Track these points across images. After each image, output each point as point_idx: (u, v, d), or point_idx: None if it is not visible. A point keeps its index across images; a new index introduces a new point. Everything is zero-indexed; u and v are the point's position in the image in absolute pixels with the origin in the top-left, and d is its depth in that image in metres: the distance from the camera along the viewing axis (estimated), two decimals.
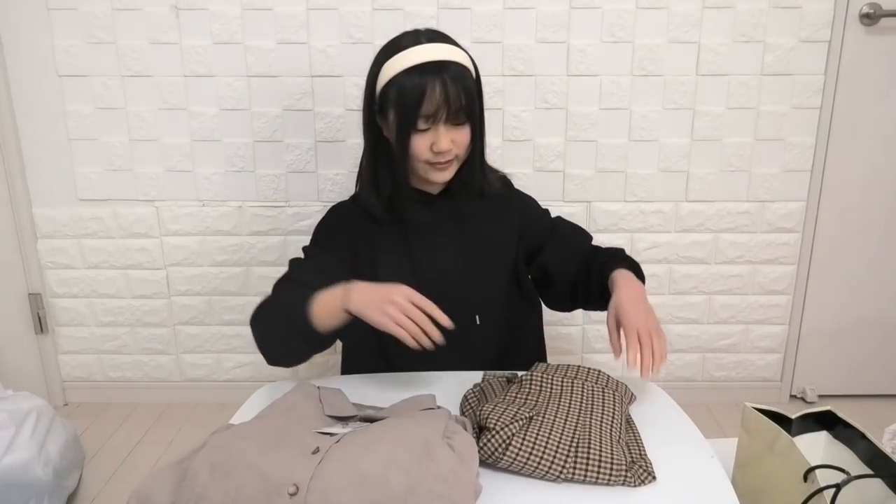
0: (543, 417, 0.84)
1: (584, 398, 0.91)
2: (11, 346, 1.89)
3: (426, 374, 1.06)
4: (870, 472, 0.87)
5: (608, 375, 0.97)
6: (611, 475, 0.77)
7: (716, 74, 1.69)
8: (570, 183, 1.76)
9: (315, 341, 0.98)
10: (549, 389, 0.92)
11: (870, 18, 1.64)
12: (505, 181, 1.22)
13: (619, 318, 0.99)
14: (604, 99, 1.70)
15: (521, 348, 1.23)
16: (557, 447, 0.80)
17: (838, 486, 0.80)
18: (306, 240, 1.79)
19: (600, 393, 0.92)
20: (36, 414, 1.43)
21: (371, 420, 0.83)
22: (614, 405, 0.90)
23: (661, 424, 0.90)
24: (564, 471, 0.78)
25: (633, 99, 1.70)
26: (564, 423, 0.84)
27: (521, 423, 0.82)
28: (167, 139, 1.74)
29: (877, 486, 0.85)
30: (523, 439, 0.80)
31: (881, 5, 1.64)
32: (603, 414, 0.87)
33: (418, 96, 0.99)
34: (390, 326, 0.88)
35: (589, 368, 0.98)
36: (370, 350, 1.16)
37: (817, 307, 1.86)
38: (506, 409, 0.84)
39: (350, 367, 1.25)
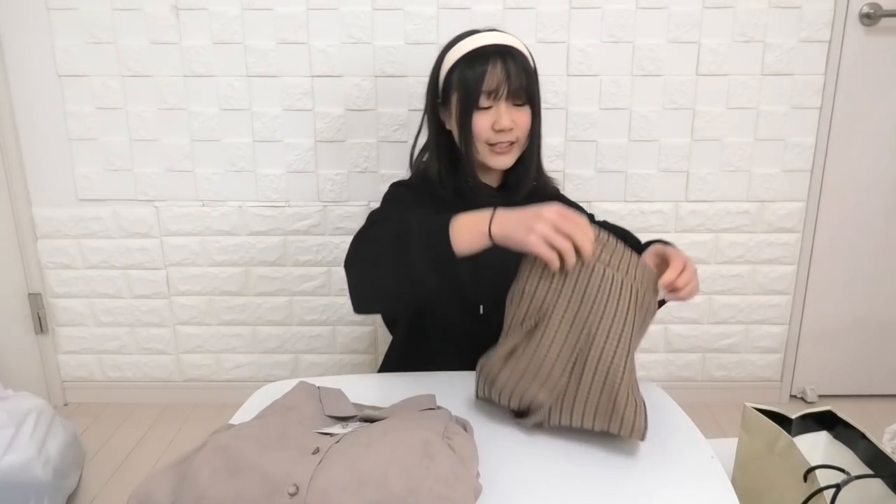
0: (540, 340, 0.83)
1: (598, 297, 0.83)
2: (11, 346, 1.89)
3: (426, 374, 1.06)
4: (870, 472, 0.87)
5: (631, 256, 0.88)
6: (594, 421, 0.82)
7: (716, 74, 1.69)
8: (570, 183, 1.76)
9: (446, 269, 0.86)
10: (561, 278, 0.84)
11: (870, 18, 1.64)
12: (555, 187, 1.25)
13: (666, 254, 0.99)
14: (604, 99, 1.70)
15: None
16: (548, 379, 0.83)
17: (838, 487, 0.80)
18: (306, 240, 1.81)
19: (617, 289, 0.84)
20: (36, 414, 1.43)
21: (371, 420, 0.83)
22: (627, 312, 0.84)
23: (661, 424, 0.90)
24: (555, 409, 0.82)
25: (633, 99, 1.70)
26: (559, 353, 0.83)
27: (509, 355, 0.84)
28: (167, 139, 1.74)
29: (877, 486, 0.85)
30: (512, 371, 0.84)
31: (881, 5, 1.64)
32: (609, 333, 0.83)
33: (481, 73, 1.04)
34: (538, 247, 0.81)
35: (614, 242, 0.88)
36: (415, 346, 1.16)
37: (817, 307, 1.86)
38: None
39: (392, 363, 1.24)
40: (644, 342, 1.89)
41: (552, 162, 1.74)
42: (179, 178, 1.77)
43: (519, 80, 1.05)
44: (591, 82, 1.69)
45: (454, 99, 1.08)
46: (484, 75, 1.04)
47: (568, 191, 1.77)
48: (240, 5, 1.65)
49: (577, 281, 0.85)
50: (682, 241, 1.80)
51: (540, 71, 1.68)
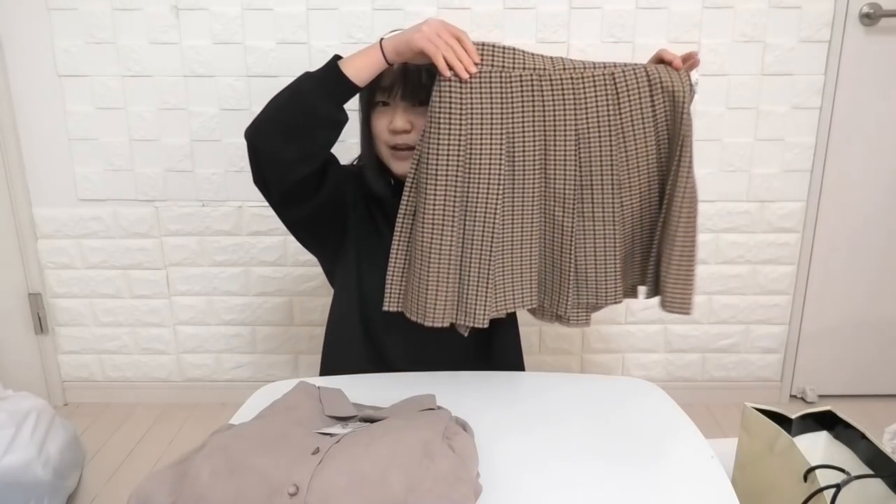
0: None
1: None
2: (11, 346, 1.89)
3: (426, 374, 1.06)
4: (870, 472, 0.87)
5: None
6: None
7: (716, 74, 1.69)
8: None
9: (338, 90, 0.95)
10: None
11: (870, 18, 1.64)
12: None
13: (661, 54, 0.98)
14: None
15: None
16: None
17: (838, 487, 0.80)
18: None
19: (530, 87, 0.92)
20: (36, 414, 1.43)
21: (371, 420, 0.83)
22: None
23: (661, 424, 0.90)
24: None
25: None
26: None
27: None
28: (167, 139, 1.74)
29: (877, 486, 0.85)
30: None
31: (881, 5, 1.64)
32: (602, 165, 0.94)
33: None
34: (423, 42, 0.88)
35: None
36: (355, 345, 1.15)
37: (817, 307, 1.86)
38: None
39: (330, 365, 1.23)
40: (644, 342, 1.90)
41: None
42: (179, 178, 1.77)
43: (417, 79, 1.01)
44: None
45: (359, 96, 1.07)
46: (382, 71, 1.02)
47: None
48: (240, 5, 1.65)
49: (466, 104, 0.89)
50: None
51: None
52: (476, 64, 0.88)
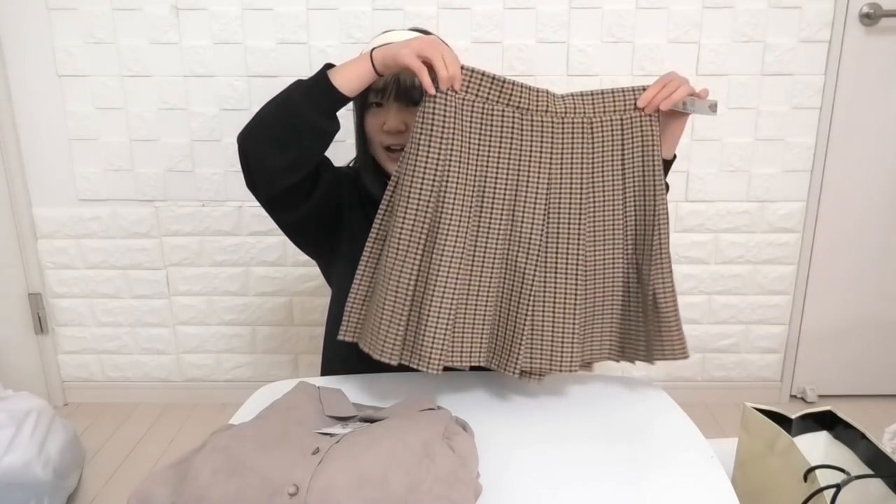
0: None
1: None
2: (11, 346, 1.89)
3: (426, 374, 1.06)
4: (870, 472, 0.87)
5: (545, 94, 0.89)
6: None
7: (716, 74, 1.69)
8: None
9: (327, 102, 0.94)
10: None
11: (870, 18, 1.64)
12: None
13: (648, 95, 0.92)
14: None
15: None
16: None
17: (838, 487, 0.80)
18: None
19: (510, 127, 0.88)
20: (36, 414, 1.43)
21: (371, 420, 0.83)
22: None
23: (661, 424, 0.90)
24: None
25: None
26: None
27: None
28: (167, 139, 1.74)
29: (877, 486, 0.85)
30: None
31: (881, 5, 1.64)
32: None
33: None
34: (409, 59, 0.86)
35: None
36: (353, 344, 1.15)
37: (817, 307, 1.86)
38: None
39: (328, 366, 1.24)
40: None
41: None
42: (179, 178, 1.77)
43: (410, 80, 1.02)
44: (591, 82, 1.69)
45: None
46: None
47: None
48: (240, 5, 1.65)
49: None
50: (681, 242, 1.81)
51: (540, 71, 1.69)
52: (455, 91, 0.86)
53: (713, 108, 0.91)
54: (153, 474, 0.70)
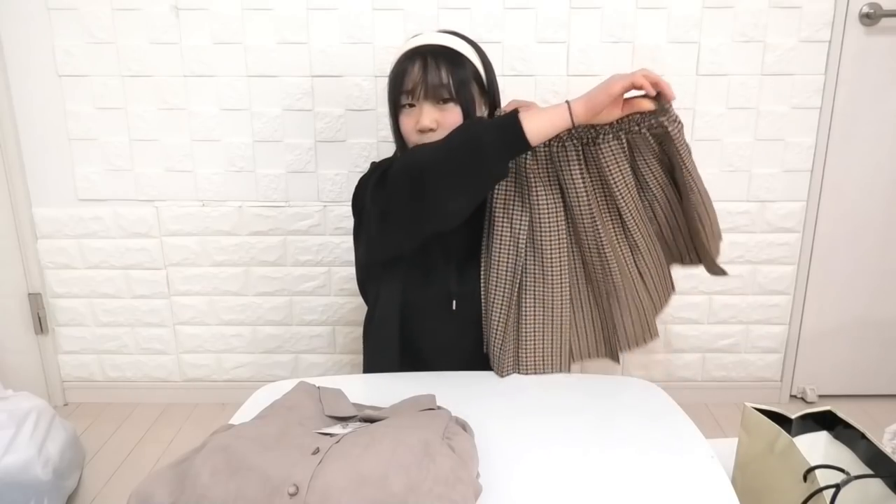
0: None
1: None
2: (11, 346, 1.89)
3: (426, 374, 1.06)
4: (870, 472, 0.87)
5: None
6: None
7: (716, 74, 1.69)
8: None
9: (517, 153, 0.97)
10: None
11: (870, 18, 1.64)
12: None
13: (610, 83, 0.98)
14: None
15: None
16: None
17: (838, 487, 0.80)
18: (306, 240, 1.81)
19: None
20: (36, 414, 1.43)
21: (371, 420, 0.83)
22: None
23: (662, 424, 0.90)
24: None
25: None
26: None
27: None
28: (167, 139, 1.74)
29: (877, 486, 0.85)
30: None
31: (881, 5, 1.64)
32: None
33: (400, 73, 1.06)
34: (625, 81, 0.94)
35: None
36: (392, 344, 1.15)
37: (817, 307, 1.86)
38: None
39: (372, 365, 1.24)
40: None
41: None
42: (179, 178, 1.77)
43: (438, 79, 1.03)
44: (591, 82, 1.67)
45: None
46: (402, 75, 1.05)
47: None
48: (240, 5, 1.65)
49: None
50: None
51: (540, 71, 1.69)
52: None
53: (664, 113, 1.01)
54: (153, 474, 0.70)
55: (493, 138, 0.92)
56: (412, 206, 0.96)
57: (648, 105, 0.98)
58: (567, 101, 0.95)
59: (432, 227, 0.99)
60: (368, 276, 1.18)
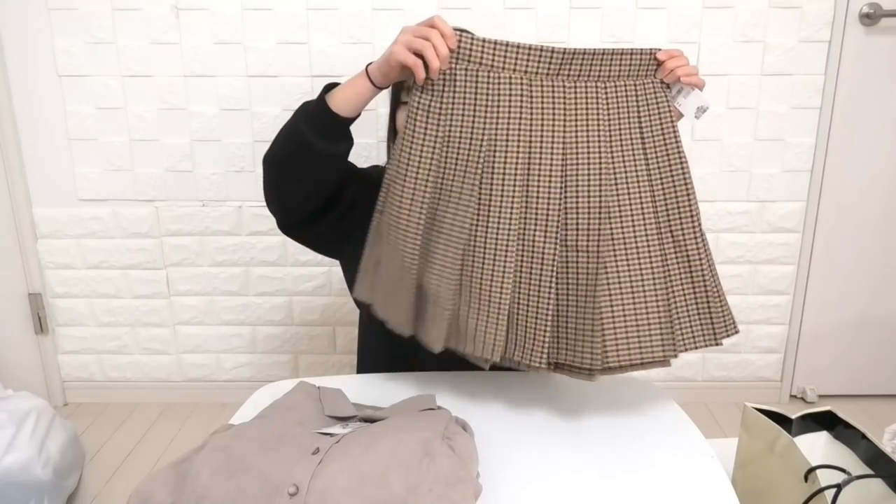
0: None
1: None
2: (11, 346, 1.89)
3: (426, 374, 1.06)
4: (870, 472, 0.87)
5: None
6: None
7: (716, 74, 1.69)
8: None
9: (327, 127, 0.90)
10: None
11: (870, 18, 1.64)
12: None
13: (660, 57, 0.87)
14: None
15: None
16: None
17: (839, 487, 0.80)
18: None
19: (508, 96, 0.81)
20: (36, 414, 1.43)
21: (371, 420, 0.83)
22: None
23: (662, 424, 0.90)
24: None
25: None
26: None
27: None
28: (167, 139, 1.74)
29: (877, 486, 0.85)
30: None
31: (881, 5, 1.64)
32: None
33: None
34: (400, 55, 0.81)
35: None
36: (384, 348, 1.15)
37: (817, 307, 1.86)
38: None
39: (365, 366, 1.24)
40: None
41: None
42: (179, 178, 1.77)
43: None
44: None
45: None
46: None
47: None
48: (240, 5, 1.65)
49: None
50: None
51: None
52: (451, 51, 0.82)
53: (701, 111, 0.86)
54: (153, 474, 0.70)
55: (307, 121, 0.91)
56: (267, 195, 0.97)
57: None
58: (368, 64, 0.89)
59: (288, 214, 0.98)
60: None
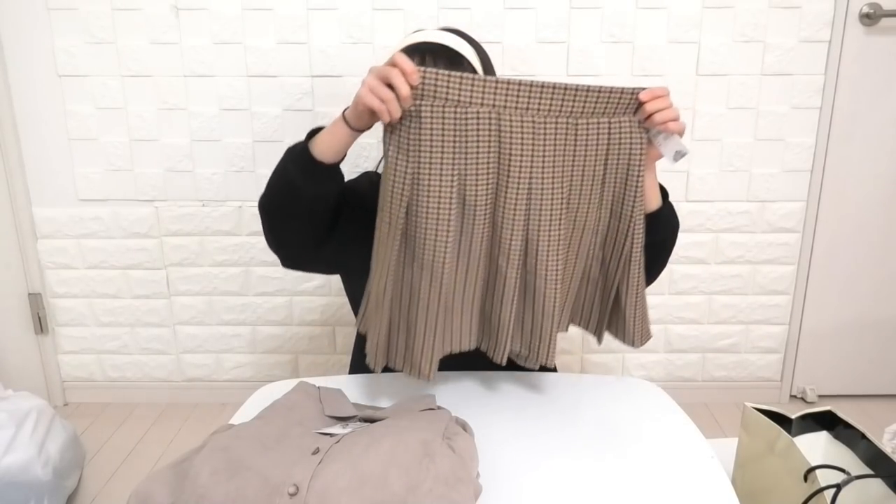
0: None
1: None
2: (11, 346, 1.89)
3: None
4: (870, 472, 0.87)
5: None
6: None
7: (716, 74, 1.69)
8: None
9: (312, 172, 0.91)
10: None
11: (870, 18, 1.64)
12: None
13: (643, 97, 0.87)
14: None
15: None
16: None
17: (839, 487, 0.80)
18: None
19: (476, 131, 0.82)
20: (36, 414, 1.43)
21: (371, 420, 0.83)
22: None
23: (662, 424, 0.90)
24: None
25: None
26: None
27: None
28: (167, 139, 1.74)
29: (877, 486, 0.85)
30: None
31: (881, 5, 1.64)
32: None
33: None
34: (366, 98, 0.81)
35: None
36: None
37: (817, 307, 1.86)
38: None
39: (359, 367, 1.24)
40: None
41: None
42: (179, 178, 1.77)
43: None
44: (591, 82, 1.69)
45: None
46: None
47: None
48: (240, 5, 1.65)
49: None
50: (682, 241, 1.81)
51: (540, 71, 1.69)
52: (414, 88, 0.80)
53: (679, 155, 0.87)
54: (153, 474, 0.70)
55: (294, 166, 0.92)
56: (267, 238, 0.98)
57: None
58: (344, 109, 0.89)
59: (288, 254, 0.99)
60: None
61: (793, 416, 0.96)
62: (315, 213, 0.95)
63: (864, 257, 1.83)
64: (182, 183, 1.77)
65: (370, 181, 1.16)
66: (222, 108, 1.72)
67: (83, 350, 1.92)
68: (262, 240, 1.81)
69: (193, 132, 1.74)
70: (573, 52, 1.67)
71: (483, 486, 0.74)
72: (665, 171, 1.75)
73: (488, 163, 0.83)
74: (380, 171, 1.15)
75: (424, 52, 1.02)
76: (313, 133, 0.94)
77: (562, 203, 0.87)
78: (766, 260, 1.82)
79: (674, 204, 1.00)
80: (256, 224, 1.80)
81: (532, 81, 0.81)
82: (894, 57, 1.68)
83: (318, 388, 0.94)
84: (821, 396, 1.93)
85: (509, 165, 0.83)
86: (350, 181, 1.11)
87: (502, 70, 1.67)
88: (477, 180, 0.83)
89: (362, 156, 1.73)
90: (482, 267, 0.90)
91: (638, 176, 0.88)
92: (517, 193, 0.84)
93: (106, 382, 1.95)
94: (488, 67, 1.10)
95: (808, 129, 1.73)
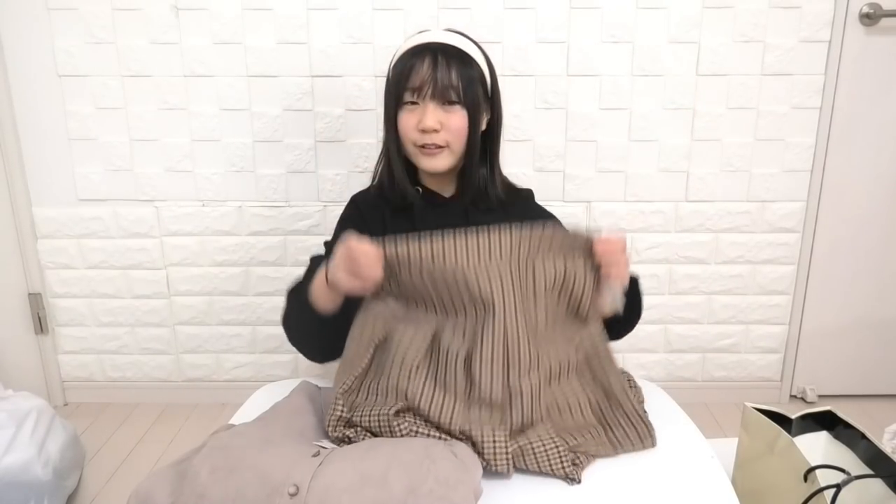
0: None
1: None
2: (11, 346, 1.89)
3: None
4: (870, 472, 0.87)
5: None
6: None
7: (716, 74, 1.69)
8: (570, 183, 1.76)
9: (330, 324, 0.95)
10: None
11: (870, 18, 1.64)
12: (525, 195, 1.20)
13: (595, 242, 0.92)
14: (604, 99, 1.70)
15: None
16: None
17: (838, 486, 0.80)
18: (306, 239, 1.81)
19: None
20: (36, 414, 1.43)
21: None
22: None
23: (661, 424, 0.90)
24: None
25: (633, 99, 1.70)
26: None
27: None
28: (167, 139, 1.74)
29: (877, 486, 0.86)
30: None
31: (881, 5, 1.64)
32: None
33: (408, 68, 1.02)
34: (348, 287, 0.87)
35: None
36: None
37: (817, 307, 1.86)
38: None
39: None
40: (644, 342, 1.90)
41: (552, 162, 1.74)
42: (179, 178, 1.77)
43: (447, 79, 1.00)
44: (590, 82, 1.69)
45: (385, 95, 1.07)
46: (410, 71, 1.01)
47: (568, 191, 1.77)
48: (240, 5, 1.65)
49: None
50: (682, 241, 1.81)
51: (540, 71, 1.69)
52: (382, 272, 0.87)
53: (615, 302, 0.93)
54: (153, 473, 0.70)
55: (302, 306, 0.96)
56: (293, 345, 1.03)
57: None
58: (327, 268, 0.91)
59: (313, 357, 1.04)
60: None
61: (793, 416, 0.96)
62: (328, 325, 0.97)
63: (864, 257, 1.83)
64: (182, 183, 1.77)
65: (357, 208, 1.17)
66: (222, 108, 1.72)
67: (83, 350, 1.92)
68: (263, 240, 1.81)
69: (193, 132, 1.74)
70: (573, 52, 1.67)
71: (483, 490, 0.74)
72: (665, 171, 1.75)
73: (463, 303, 0.88)
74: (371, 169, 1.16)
75: (436, 52, 1.02)
76: (315, 261, 1.01)
77: (535, 331, 0.90)
78: (766, 260, 1.82)
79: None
80: (256, 224, 1.80)
81: (488, 234, 0.89)
82: (894, 57, 1.68)
83: (319, 388, 0.94)
84: (821, 396, 1.93)
85: (483, 302, 0.87)
86: (340, 222, 1.15)
87: (502, 70, 1.67)
88: (456, 317, 0.88)
89: (362, 155, 1.73)
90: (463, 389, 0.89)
91: (588, 309, 0.92)
92: (493, 342, 0.86)
93: (106, 382, 1.95)
94: (492, 72, 1.10)
95: (808, 130, 1.73)
